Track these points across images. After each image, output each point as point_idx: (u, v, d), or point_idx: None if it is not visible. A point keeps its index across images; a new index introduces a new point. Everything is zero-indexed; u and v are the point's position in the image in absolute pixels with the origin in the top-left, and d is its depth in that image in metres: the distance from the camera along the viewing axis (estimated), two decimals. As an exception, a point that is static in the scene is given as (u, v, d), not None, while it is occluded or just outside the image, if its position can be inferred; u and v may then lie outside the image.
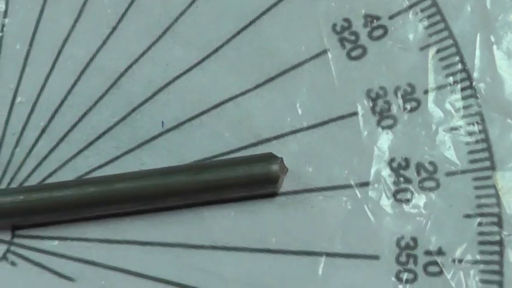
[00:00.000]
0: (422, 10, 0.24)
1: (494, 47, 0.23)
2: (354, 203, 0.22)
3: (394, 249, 0.21)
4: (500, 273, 0.21)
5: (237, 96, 0.23)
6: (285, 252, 0.22)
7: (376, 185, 0.22)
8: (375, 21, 0.24)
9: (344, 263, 0.21)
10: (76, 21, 0.25)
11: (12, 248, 0.23)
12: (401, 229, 0.22)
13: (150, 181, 0.22)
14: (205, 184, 0.21)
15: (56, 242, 0.22)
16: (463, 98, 0.23)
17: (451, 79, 0.23)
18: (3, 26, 0.25)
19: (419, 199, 0.22)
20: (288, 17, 0.24)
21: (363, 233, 0.22)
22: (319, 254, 0.22)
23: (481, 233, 0.21)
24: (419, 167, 0.22)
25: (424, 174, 0.22)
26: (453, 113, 0.22)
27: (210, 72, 0.24)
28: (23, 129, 0.24)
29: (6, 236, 0.23)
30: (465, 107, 0.22)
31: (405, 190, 0.22)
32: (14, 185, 0.23)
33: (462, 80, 0.23)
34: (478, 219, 0.21)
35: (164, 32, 0.24)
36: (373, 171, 0.22)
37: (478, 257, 0.21)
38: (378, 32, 0.24)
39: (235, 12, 0.24)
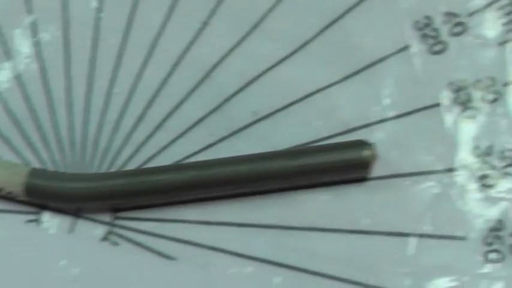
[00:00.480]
0: (500, 8, 0.28)
1: None
2: (440, 187, 0.25)
3: (481, 231, 0.25)
4: None
5: (324, 88, 0.27)
6: (376, 233, 0.25)
7: (461, 171, 0.26)
8: (454, 18, 0.28)
9: (433, 243, 0.24)
10: (168, 17, 0.29)
11: (114, 229, 0.26)
12: (487, 212, 0.25)
13: (247, 166, 0.25)
14: (300, 169, 0.24)
15: (155, 224, 0.25)
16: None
17: (529, 72, 0.27)
18: (98, 21, 0.29)
19: (504, 184, 0.26)
20: (372, 14, 0.28)
21: (450, 215, 0.25)
22: (408, 234, 0.25)
23: None
24: (502, 154, 0.26)
25: (507, 161, 0.26)
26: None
27: (298, 65, 0.27)
28: (120, 117, 0.27)
29: (108, 218, 0.26)
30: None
31: (489, 176, 0.26)
32: (113, 170, 0.27)
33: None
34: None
35: (253, 28, 0.28)
36: (457, 158, 0.26)
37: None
38: (457, 29, 0.27)
39: (321, 10, 0.28)
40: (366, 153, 0.24)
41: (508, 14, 0.26)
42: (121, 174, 0.25)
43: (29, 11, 0.29)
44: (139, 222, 0.25)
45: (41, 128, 0.27)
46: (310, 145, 0.25)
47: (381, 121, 0.26)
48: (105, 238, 0.25)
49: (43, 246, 0.25)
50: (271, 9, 0.27)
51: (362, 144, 0.24)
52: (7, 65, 0.28)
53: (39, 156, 0.26)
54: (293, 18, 0.27)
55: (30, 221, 0.26)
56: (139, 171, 0.25)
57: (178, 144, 0.26)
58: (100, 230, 0.25)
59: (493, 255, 0.24)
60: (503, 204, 0.24)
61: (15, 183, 0.25)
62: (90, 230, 0.25)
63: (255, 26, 0.27)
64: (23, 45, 0.28)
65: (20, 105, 0.27)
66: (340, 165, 0.24)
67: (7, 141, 0.27)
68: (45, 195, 0.25)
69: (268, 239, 0.25)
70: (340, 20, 0.27)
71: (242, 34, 0.27)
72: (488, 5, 0.26)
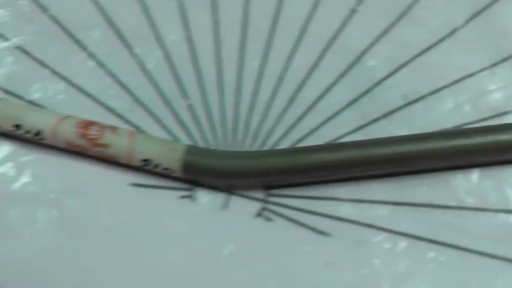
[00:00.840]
0: None
1: None
2: None
3: None
4: None
5: (473, 73, 0.29)
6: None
7: None
8: None
9: None
10: (316, 3, 0.31)
11: (267, 205, 0.27)
12: None
13: (405, 146, 0.26)
14: (457, 150, 0.26)
15: (308, 201, 0.27)
16: None
17: None
18: (247, 5, 0.32)
19: None
20: (520, 2, 0.29)
21: None
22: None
23: None
24: None
25: None
26: None
27: (447, 52, 0.29)
28: (272, 98, 0.29)
29: (261, 195, 0.28)
30: None
31: None
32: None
33: None
34: None
35: (402, 15, 0.31)
36: None
37: None
38: None
39: (470, -1, 0.30)
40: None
41: None
42: (276, 152, 0.27)
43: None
44: (292, 199, 0.27)
45: (192, 108, 0.29)
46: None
47: (532, 107, 0.28)
48: (258, 214, 0.27)
49: (197, 222, 0.27)
50: (419, -2, 0.30)
51: None
52: (158, 46, 0.31)
53: (191, 135, 0.29)
54: (441, 7, 0.30)
55: (184, 197, 0.28)
56: (294, 150, 0.27)
57: (329, 125, 0.28)
58: (253, 207, 0.28)
59: None
60: None
61: (172, 159, 0.27)
62: (244, 207, 0.28)
63: (404, 13, 0.30)
64: (172, 29, 0.32)
65: (171, 86, 0.30)
66: (498, 147, 0.26)
67: (159, 120, 0.29)
68: (201, 171, 0.27)
69: (420, 217, 0.26)
70: (488, 8, 0.29)
71: (391, 21, 0.29)
72: None
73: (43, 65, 0.31)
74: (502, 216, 0.26)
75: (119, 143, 0.27)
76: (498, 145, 0.26)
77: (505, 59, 0.28)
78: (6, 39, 0.32)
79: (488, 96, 0.28)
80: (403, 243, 0.26)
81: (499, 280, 0.25)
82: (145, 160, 0.27)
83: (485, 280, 0.25)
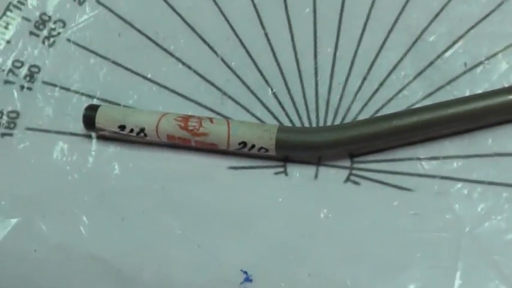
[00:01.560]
0: None
1: None
2: None
3: None
4: None
5: None
6: None
7: None
8: None
9: None
10: None
11: (353, 171, 0.33)
12: None
13: (468, 105, 0.31)
14: None
15: (390, 163, 0.33)
16: None
17: None
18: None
19: None
20: None
21: None
22: None
23: None
24: None
25: None
26: None
27: (497, 22, 0.35)
28: (346, 79, 0.35)
29: (347, 163, 0.33)
30: None
31: None
32: (346, 123, 0.33)
33: None
34: None
35: None
36: None
37: None
38: None
39: None
40: None
41: None
42: (357, 123, 0.33)
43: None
44: (376, 163, 0.33)
45: (276, 95, 0.36)
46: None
47: None
48: (347, 179, 0.33)
49: (292, 193, 0.34)
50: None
51: None
52: (239, 45, 0.38)
53: (278, 119, 0.35)
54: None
55: (278, 173, 0.34)
56: (374, 119, 0.33)
57: (400, 96, 0.34)
58: (341, 174, 0.34)
59: None
60: None
61: (266, 139, 0.33)
62: (333, 175, 0.34)
63: None
64: (249, 28, 0.38)
65: (255, 78, 0.37)
66: None
67: (247, 109, 0.37)
68: (293, 147, 0.33)
69: (491, 165, 0.32)
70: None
71: (445, 0, 0.35)
72: None
73: (135, 73, 0.38)
74: None
75: (217, 130, 0.34)
76: None
77: None
78: (98, 54, 0.39)
79: None
80: (478, 189, 0.32)
81: None
82: (242, 143, 0.33)
83: None
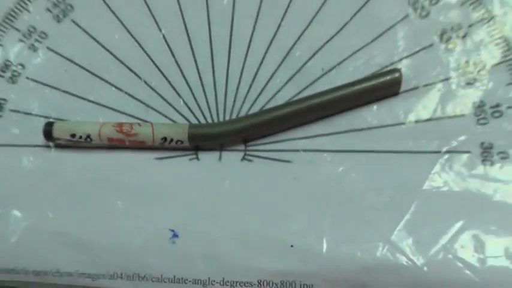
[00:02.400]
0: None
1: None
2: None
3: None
4: None
5: (362, 47, 0.41)
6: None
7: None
8: None
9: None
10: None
11: (247, 152, 0.38)
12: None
13: (324, 96, 0.39)
14: (357, 91, 0.40)
15: (273, 144, 0.39)
16: None
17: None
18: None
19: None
20: None
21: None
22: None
23: None
24: None
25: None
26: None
27: (344, 38, 0.44)
28: (237, 87, 0.43)
29: (242, 147, 0.39)
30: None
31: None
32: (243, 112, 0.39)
33: None
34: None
35: (313, 17, 0.43)
36: None
37: None
38: None
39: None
40: (398, 75, 0.39)
41: None
42: (246, 116, 0.39)
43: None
44: (263, 145, 0.39)
45: (185, 103, 0.43)
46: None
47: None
48: (243, 159, 0.39)
49: (203, 172, 0.39)
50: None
51: (395, 70, 0.39)
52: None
53: (188, 119, 0.42)
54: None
55: (192, 159, 0.40)
56: (257, 113, 0.39)
57: (277, 97, 0.42)
58: (238, 155, 0.39)
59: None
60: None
61: (181, 133, 0.39)
62: (232, 156, 0.39)
63: (315, 14, 0.43)
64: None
65: (167, 92, 0.43)
66: (383, 85, 0.40)
67: (167, 116, 0.43)
68: (201, 138, 0.39)
69: (345, 138, 0.39)
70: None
71: (306, 24, 0.43)
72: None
73: (79, 97, 0.45)
74: (396, 127, 0.39)
75: (144, 131, 0.39)
76: (386, 83, 0.40)
77: (378, 36, 0.41)
78: (51, 86, 0.46)
79: (374, 59, 0.40)
80: (338, 156, 0.38)
81: (403, 168, 0.38)
82: (163, 138, 0.39)
83: (392, 167, 0.38)
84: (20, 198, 0.39)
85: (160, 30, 0.43)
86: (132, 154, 0.41)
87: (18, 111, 0.43)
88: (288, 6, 0.42)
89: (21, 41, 0.44)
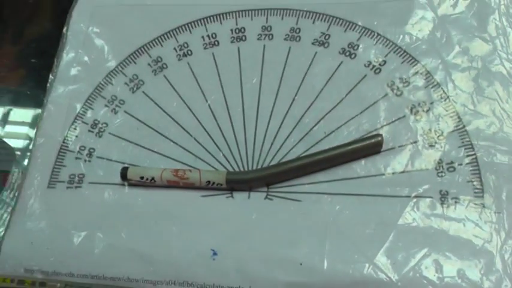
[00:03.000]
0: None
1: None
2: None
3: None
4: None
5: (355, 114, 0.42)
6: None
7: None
8: None
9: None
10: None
11: (269, 193, 0.39)
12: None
13: (329, 153, 0.41)
14: (344, 152, 0.41)
15: (289, 187, 0.39)
16: None
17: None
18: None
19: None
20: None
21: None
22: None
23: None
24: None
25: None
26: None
27: (346, 108, 0.49)
28: (261, 147, 0.43)
29: (265, 189, 0.40)
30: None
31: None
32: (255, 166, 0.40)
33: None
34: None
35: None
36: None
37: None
38: None
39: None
40: (380, 138, 0.38)
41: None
42: (267, 167, 0.39)
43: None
44: (281, 188, 0.39)
45: (224, 156, 0.43)
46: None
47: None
48: (266, 197, 0.39)
49: (236, 207, 0.39)
50: None
51: (377, 135, 0.39)
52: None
53: (225, 167, 0.42)
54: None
55: (228, 197, 0.40)
56: (276, 165, 0.39)
57: (291, 153, 0.42)
58: (263, 195, 0.39)
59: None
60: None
61: (221, 178, 0.41)
62: (258, 196, 0.39)
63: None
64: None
65: (211, 147, 0.44)
66: (369, 145, 0.41)
67: (210, 164, 0.44)
68: (235, 182, 0.40)
69: (342, 184, 0.39)
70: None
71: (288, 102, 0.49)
72: None
73: (147, 149, 0.46)
74: (378, 177, 0.40)
75: (193, 176, 0.40)
76: (370, 145, 0.41)
77: (365, 109, 0.43)
78: (127, 140, 0.47)
79: (362, 126, 0.44)
80: (336, 198, 0.38)
81: (383, 207, 0.38)
82: (207, 181, 0.41)
83: (375, 207, 0.38)
84: (102, 223, 0.40)
85: (206, 100, 0.44)
86: (184, 192, 0.41)
87: (102, 158, 0.43)
88: (300, 85, 0.44)
89: (106, 106, 0.45)
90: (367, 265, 0.35)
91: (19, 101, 0.49)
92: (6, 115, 0.48)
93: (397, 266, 0.35)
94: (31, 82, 0.49)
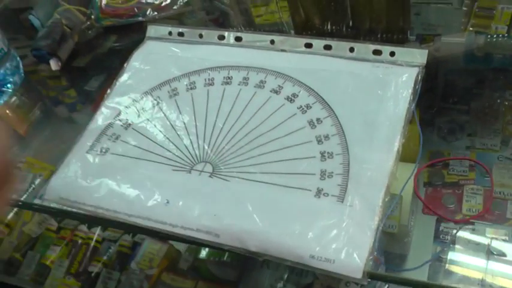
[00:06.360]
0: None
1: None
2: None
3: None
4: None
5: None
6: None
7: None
8: None
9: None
10: None
11: (212, 174, 0.56)
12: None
13: None
14: None
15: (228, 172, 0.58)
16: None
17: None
18: None
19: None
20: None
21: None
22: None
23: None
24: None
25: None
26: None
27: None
28: None
29: (211, 170, 0.58)
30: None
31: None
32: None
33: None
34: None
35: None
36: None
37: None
38: None
39: None
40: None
41: None
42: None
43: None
44: (222, 172, 0.58)
45: None
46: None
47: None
48: (209, 176, 0.58)
49: (189, 178, 0.56)
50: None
51: None
52: None
53: None
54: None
55: (187, 172, 0.58)
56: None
57: None
58: (207, 174, 0.58)
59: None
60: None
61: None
62: (204, 175, 0.58)
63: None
64: None
65: None
66: None
67: None
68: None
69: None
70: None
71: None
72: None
73: None
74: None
75: None
76: None
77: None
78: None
79: None
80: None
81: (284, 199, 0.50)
82: None
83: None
84: (110, 176, 0.58)
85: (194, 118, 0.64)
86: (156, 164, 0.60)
87: (124, 142, 0.67)
88: (243, 111, 0.62)
89: (136, 112, 0.66)
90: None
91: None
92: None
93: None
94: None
